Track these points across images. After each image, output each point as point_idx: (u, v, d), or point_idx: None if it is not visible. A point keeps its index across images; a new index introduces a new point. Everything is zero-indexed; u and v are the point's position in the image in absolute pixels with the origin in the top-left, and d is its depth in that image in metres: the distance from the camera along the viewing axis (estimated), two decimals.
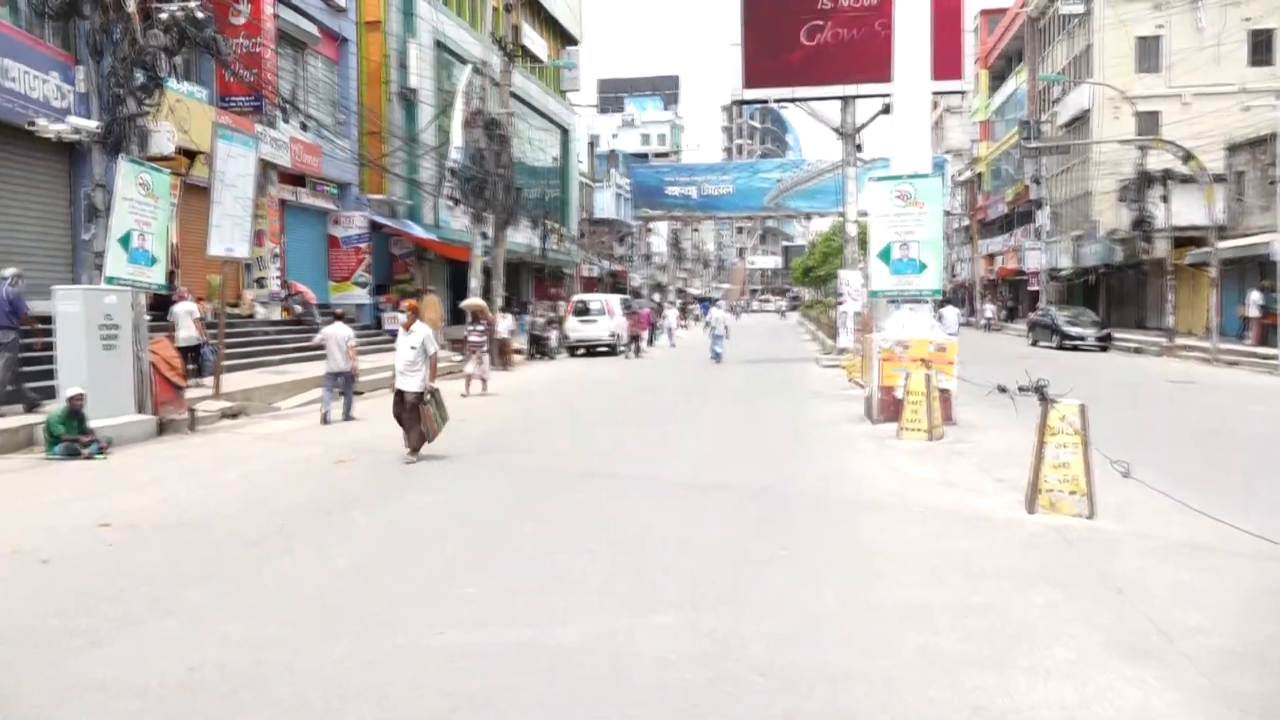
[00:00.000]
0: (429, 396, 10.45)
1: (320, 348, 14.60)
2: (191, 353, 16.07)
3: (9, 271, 12.73)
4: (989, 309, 49.80)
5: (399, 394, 10.57)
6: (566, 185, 49.04)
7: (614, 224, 62.48)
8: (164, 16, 12.56)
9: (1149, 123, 36.62)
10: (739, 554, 6.50)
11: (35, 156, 16.48)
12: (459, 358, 21.02)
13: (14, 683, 4.36)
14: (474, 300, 22.41)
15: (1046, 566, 6.07)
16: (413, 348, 10.42)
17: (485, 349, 18.63)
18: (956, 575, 5.90)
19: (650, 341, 35.30)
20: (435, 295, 27.10)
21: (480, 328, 18.88)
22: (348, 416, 14.09)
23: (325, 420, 13.74)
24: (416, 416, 10.40)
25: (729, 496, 8.59)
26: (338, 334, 14.09)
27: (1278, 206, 21.84)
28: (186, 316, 16.31)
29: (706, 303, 63.24)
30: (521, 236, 35.99)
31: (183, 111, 16.02)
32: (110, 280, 12.28)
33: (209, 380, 15.41)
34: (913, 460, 10.13)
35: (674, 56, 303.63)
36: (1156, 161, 31.80)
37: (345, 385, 14.30)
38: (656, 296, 62.14)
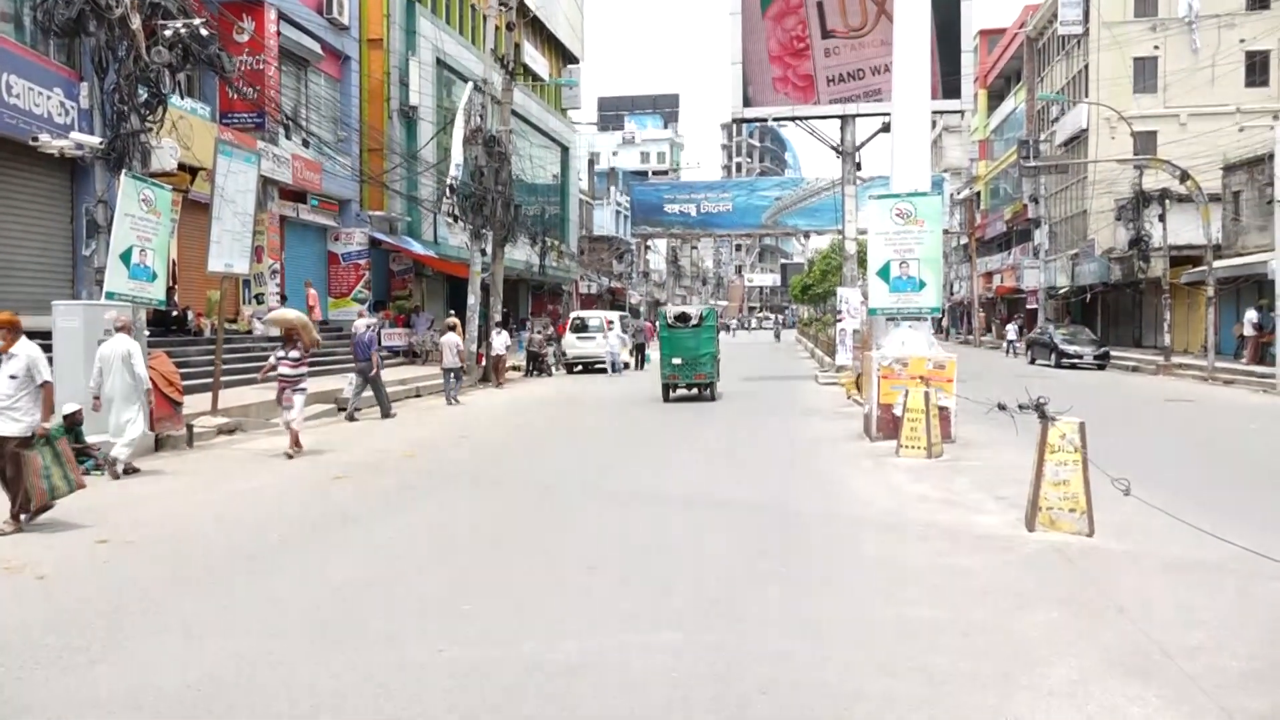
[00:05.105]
0: (41, 441, 7.72)
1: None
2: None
3: (373, 319, 19.69)
4: (1011, 329, 42.83)
5: None
6: (566, 202, 49.21)
7: (613, 241, 62.68)
8: (168, 34, 12.64)
9: (1146, 142, 36.84)
10: (741, 571, 6.48)
11: (37, 172, 16.55)
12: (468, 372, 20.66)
13: (10, 700, 4.34)
14: (282, 313, 14.93)
15: (1047, 585, 6.06)
16: (12, 377, 7.62)
17: (301, 386, 12.70)
18: (957, 593, 5.89)
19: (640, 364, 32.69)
20: (455, 319, 26.45)
21: (294, 356, 12.74)
22: (455, 400, 19.29)
23: (449, 402, 19.27)
24: (17, 469, 7.66)
25: (729, 514, 8.58)
26: (451, 340, 19.59)
27: (1274, 226, 21.90)
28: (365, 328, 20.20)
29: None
30: (520, 253, 36.07)
31: (185, 128, 16.07)
32: (110, 296, 12.28)
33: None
34: (912, 478, 10.11)
35: (674, 75, 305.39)
36: (1153, 181, 31.96)
37: (455, 378, 19.43)
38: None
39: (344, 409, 17.08)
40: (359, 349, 17.09)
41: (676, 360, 19.38)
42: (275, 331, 20.80)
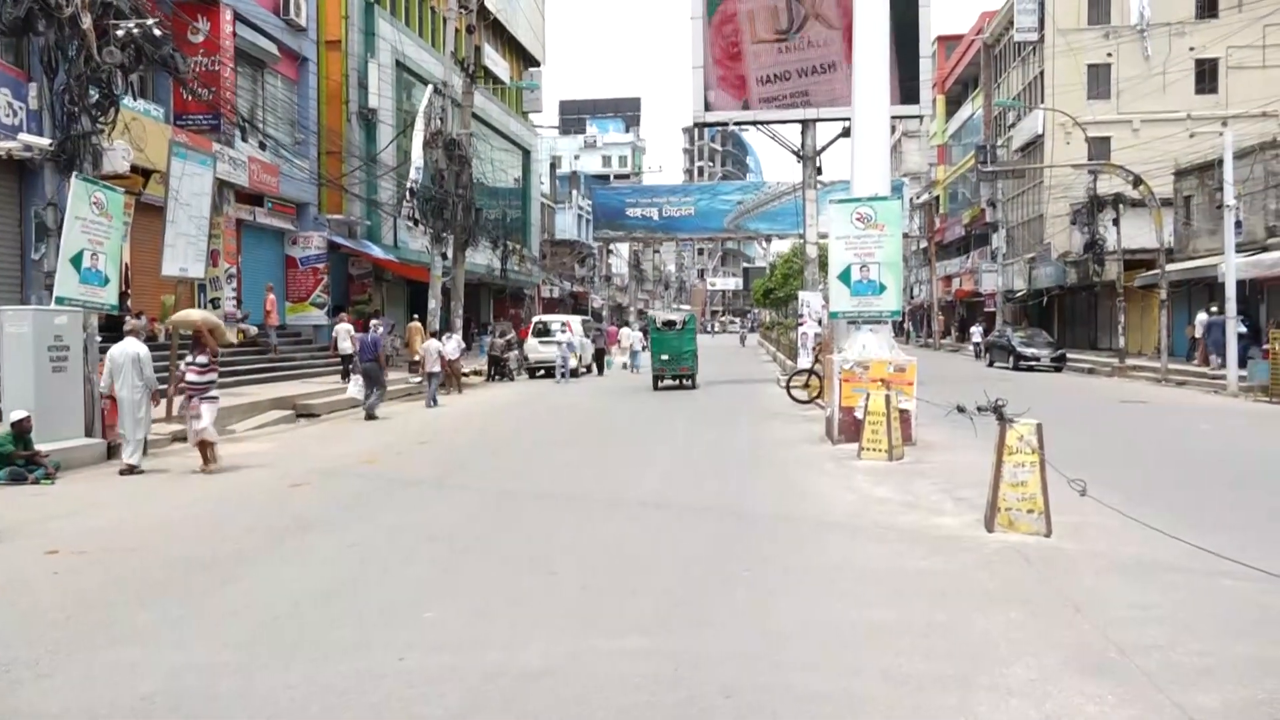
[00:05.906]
0: None
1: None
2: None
3: (375, 322, 21.24)
4: (976, 332, 42.93)
5: None
6: (527, 206, 49.04)
7: (575, 245, 62.57)
8: (120, 34, 12.39)
9: (1100, 148, 37.46)
10: (704, 575, 6.48)
11: None
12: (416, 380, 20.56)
13: None
14: (186, 314, 13.75)
15: (1006, 585, 6.12)
16: None
17: (210, 395, 11.35)
18: (918, 595, 5.93)
19: (601, 370, 32.69)
20: (418, 323, 26.64)
21: (200, 361, 11.35)
22: (434, 403, 19.92)
23: (428, 405, 19.78)
24: None
25: (693, 518, 8.58)
26: (434, 345, 20.67)
27: (1224, 230, 22.40)
28: (345, 333, 21.58)
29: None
30: (481, 257, 35.88)
31: (138, 129, 15.76)
32: (60, 301, 12.03)
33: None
34: (873, 480, 10.19)
35: (636, 79, 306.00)
36: (1107, 186, 32.52)
37: (435, 382, 20.29)
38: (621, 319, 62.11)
39: (306, 415, 17.06)
40: (365, 349, 17.98)
41: (664, 357, 23.94)
42: (231, 336, 20.62)
